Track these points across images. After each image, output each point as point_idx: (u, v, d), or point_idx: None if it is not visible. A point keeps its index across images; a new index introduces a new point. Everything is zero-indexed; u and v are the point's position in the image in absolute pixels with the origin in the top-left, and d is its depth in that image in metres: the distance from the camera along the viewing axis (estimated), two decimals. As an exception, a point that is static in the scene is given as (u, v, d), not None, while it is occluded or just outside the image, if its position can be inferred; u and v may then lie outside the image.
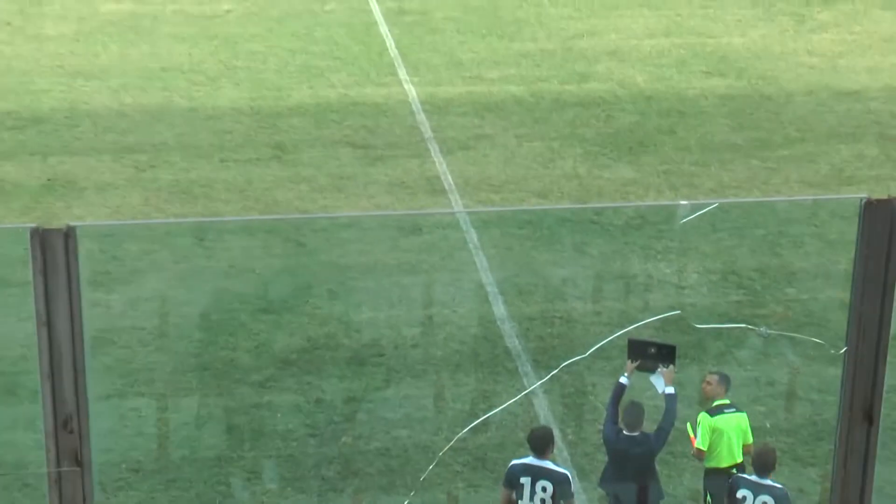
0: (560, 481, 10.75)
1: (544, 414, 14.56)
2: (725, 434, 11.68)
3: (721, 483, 11.60)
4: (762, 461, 11.21)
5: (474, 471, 13.54)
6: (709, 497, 11.81)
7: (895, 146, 24.11)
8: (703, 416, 11.69)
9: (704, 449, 11.66)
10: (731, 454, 11.73)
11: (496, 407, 14.35)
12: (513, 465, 10.99)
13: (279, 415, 14.54)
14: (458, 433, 13.71)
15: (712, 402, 11.93)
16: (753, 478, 11.20)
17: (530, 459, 10.92)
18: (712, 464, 11.67)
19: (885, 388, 6.66)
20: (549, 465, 10.86)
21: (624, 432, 11.35)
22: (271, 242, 19.20)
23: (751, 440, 11.86)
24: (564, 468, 11.14)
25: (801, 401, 14.96)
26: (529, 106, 25.46)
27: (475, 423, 13.89)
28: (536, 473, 10.78)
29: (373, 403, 14.85)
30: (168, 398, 14.95)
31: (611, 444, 11.42)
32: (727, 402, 11.90)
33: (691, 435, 11.99)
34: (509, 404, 14.30)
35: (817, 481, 13.27)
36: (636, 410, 11.50)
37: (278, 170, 22.49)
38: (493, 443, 14.03)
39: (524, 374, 15.48)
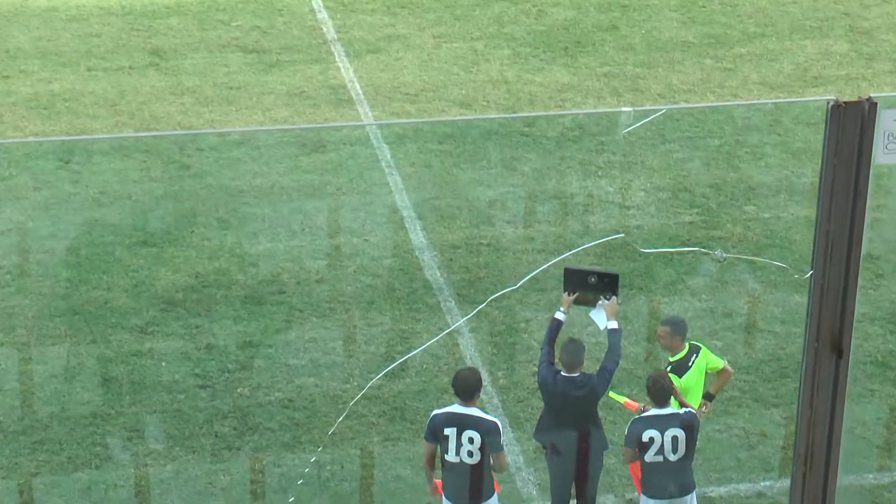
0: (488, 431, 10.82)
1: (471, 355, 14.64)
2: (694, 389, 11.85)
3: None
4: (658, 389, 11.42)
5: (391, 422, 13.60)
6: None
7: (867, 41, 24.35)
8: (671, 378, 11.78)
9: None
10: (696, 403, 11.92)
11: (415, 348, 14.40)
12: (435, 415, 11.05)
13: (164, 364, 14.48)
14: (371, 380, 13.75)
15: (671, 356, 12.00)
16: (653, 412, 11.40)
17: (455, 407, 10.97)
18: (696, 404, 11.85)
19: (855, 316, 6.76)
20: (476, 412, 10.92)
21: (562, 373, 11.45)
22: (150, 164, 19.00)
23: (720, 365, 12.06)
24: (494, 416, 11.20)
25: (762, 333, 15.17)
26: (448, 1, 25.32)
27: (391, 367, 13.93)
28: (462, 423, 10.85)
29: (273, 348, 14.83)
30: (32, 347, 14.82)
31: (548, 387, 11.51)
32: (686, 350, 11.96)
33: (624, 400, 12.10)
34: (430, 345, 14.35)
35: (781, 423, 13.50)
36: (575, 348, 11.59)
37: (156, 79, 22.21)
38: (413, 390, 14.09)
39: (447, 310, 15.53)
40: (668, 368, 11.95)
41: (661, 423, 11.33)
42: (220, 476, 12.85)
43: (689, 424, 11.37)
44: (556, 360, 11.78)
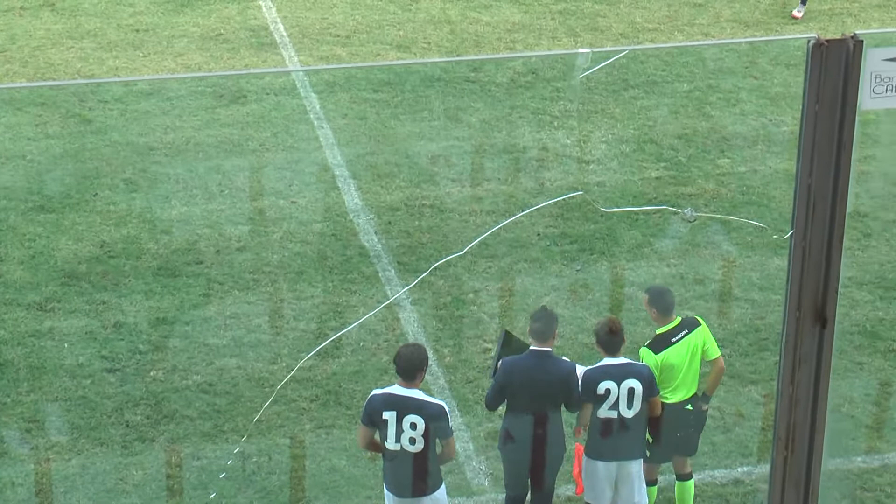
0: (434, 415, 10.86)
1: (413, 330, 14.68)
2: (678, 369, 11.82)
3: (667, 419, 11.88)
4: (607, 335, 11.58)
5: (325, 407, 13.64)
6: (648, 437, 12.04)
7: (852, -27, 24.51)
8: (644, 354, 11.81)
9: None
10: (689, 388, 11.92)
11: (351, 324, 14.43)
12: (373, 396, 11.08)
13: (66, 345, 14.44)
14: (301, 360, 13.77)
15: (657, 329, 12.00)
16: (606, 361, 11.52)
17: (396, 388, 11.00)
18: (664, 399, 11.85)
19: (840, 280, 6.83)
20: (419, 395, 10.95)
21: (532, 346, 11.40)
22: (46, 118, 18.88)
23: (714, 355, 12.04)
24: (439, 399, 11.25)
25: (738, 301, 15.31)
26: (383, -70, 25.27)
27: (323, 345, 13.96)
28: (403, 406, 10.88)
29: (190, 326, 14.82)
30: (-84, 329, 14.76)
31: (507, 374, 11.43)
32: (675, 324, 11.95)
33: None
34: (368, 319, 14.38)
35: (760, 402, 13.64)
36: (546, 315, 11.57)
37: (51, 21, 22.05)
38: (349, 370, 14.13)
39: (386, 280, 15.56)
40: (647, 342, 11.96)
41: (618, 374, 11.48)
42: (133, 470, 12.84)
43: (645, 377, 11.55)
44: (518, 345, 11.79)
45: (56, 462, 12.92)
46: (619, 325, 11.81)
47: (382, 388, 11.27)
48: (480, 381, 13.80)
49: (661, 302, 12.03)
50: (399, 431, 10.90)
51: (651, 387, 11.60)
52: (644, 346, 11.97)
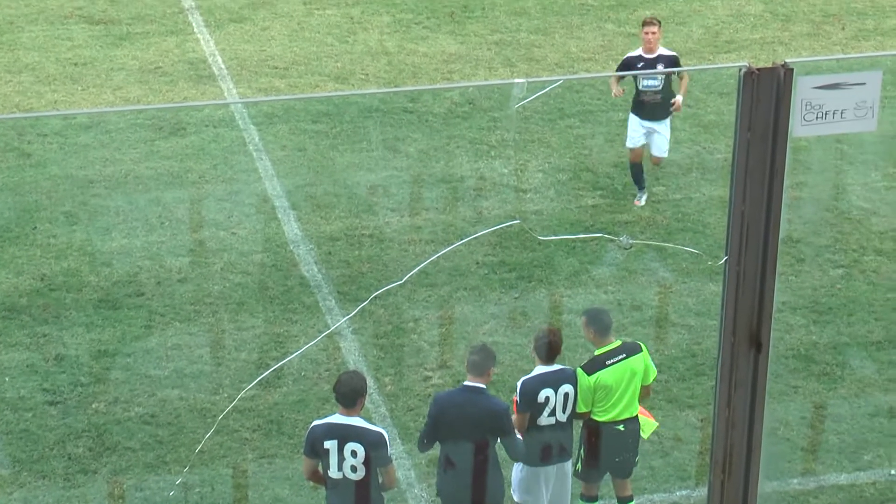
0: (374, 443, 10.84)
1: (354, 359, 14.67)
2: (614, 390, 11.84)
3: (600, 437, 11.93)
4: (544, 344, 11.70)
5: (267, 437, 13.59)
6: (581, 451, 12.08)
7: (783, 1, 24.73)
8: (579, 375, 11.81)
9: (587, 410, 11.87)
10: (624, 408, 11.92)
11: (292, 353, 14.39)
12: (314, 427, 11.06)
13: (7, 378, 14.33)
14: (243, 390, 13.73)
15: (595, 350, 12.01)
16: (541, 369, 11.64)
17: (336, 417, 10.98)
18: (596, 416, 11.88)
19: (774, 305, 6.88)
20: (359, 422, 10.94)
21: (466, 381, 11.35)
22: (-15, 152, 18.78)
23: (651, 379, 12.07)
24: (379, 427, 11.23)
25: (674, 327, 15.36)
26: (320, -38, 25.31)
27: (264, 375, 13.92)
28: (344, 435, 10.86)
29: (131, 358, 14.74)
30: None
31: (440, 407, 11.37)
32: (613, 346, 11.96)
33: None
34: (309, 349, 14.35)
35: (697, 426, 13.69)
36: (484, 350, 11.52)
37: (-10, 56, 21.96)
38: (291, 400, 14.09)
39: (326, 309, 15.54)
40: (582, 364, 11.98)
41: (554, 380, 11.61)
42: (75, 503, 12.75)
43: (575, 380, 11.74)
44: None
45: (-2, 495, 12.82)
46: (559, 334, 11.97)
47: (322, 417, 11.25)
48: (421, 409, 13.79)
49: (597, 323, 12.05)
50: (341, 460, 10.88)
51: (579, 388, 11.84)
52: (579, 366, 11.98)
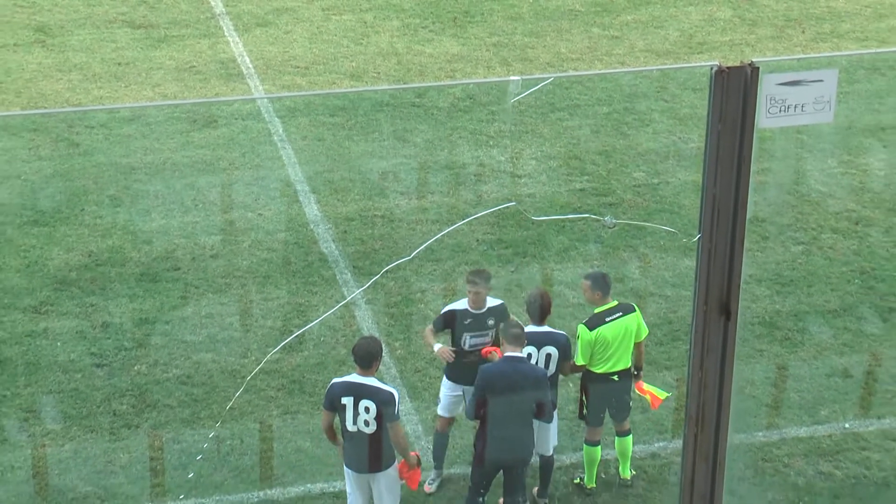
0: (384, 401, 10.84)
1: (367, 326, 14.65)
2: (611, 344, 11.84)
3: (597, 387, 11.94)
4: (537, 307, 11.67)
5: (290, 395, 13.58)
6: (584, 398, 12.10)
7: (749, 7, 24.65)
8: (581, 330, 11.83)
9: (585, 363, 11.87)
10: (618, 361, 11.92)
11: (312, 321, 14.38)
12: (333, 384, 11.07)
13: (59, 343, 14.32)
14: (269, 353, 13.72)
15: (595, 309, 12.00)
16: (530, 329, 11.60)
17: (353, 377, 10.99)
18: (593, 368, 11.88)
19: (742, 278, 6.87)
20: (373, 382, 10.94)
21: (507, 353, 11.20)
22: (38, 142, 18.74)
23: (643, 336, 12.09)
24: (391, 386, 11.23)
25: (653, 297, 15.35)
26: (337, -27, 25.23)
27: (288, 340, 13.91)
28: (359, 392, 10.87)
29: (169, 325, 14.73)
30: (-76, 331, 14.60)
31: (488, 377, 11.27)
32: (611, 305, 11.98)
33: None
34: (326, 317, 14.34)
35: (673, 385, 13.68)
36: (520, 326, 11.39)
37: (42, 56, 21.89)
38: (311, 363, 14.08)
39: (343, 282, 15.52)
40: (584, 321, 11.97)
41: (539, 340, 11.62)
42: (120, 454, 12.75)
43: (562, 345, 11.75)
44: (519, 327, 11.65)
45: (51, 448, 12.82)
46: (549, 296, 11.95)
47: (341, 376, 11.25)
48: (427, 371, 13.79)
49: (601, 284, 12.06)
50: (356, 414, 10.89)
51: (566, 353, 11.79)
52: (581, 322, 11.98)
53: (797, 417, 13.39)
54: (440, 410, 12.34)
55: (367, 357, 11.00)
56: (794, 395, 13.72)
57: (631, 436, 12.37)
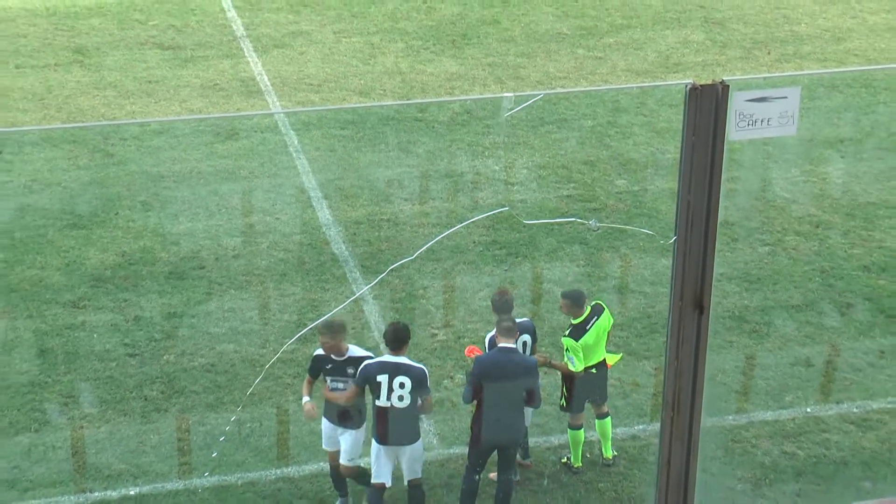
0: (418, 377, 10.90)
1: (374, 320, 14.65)
2: (593, 345, 11.89)
3: (579, 380, 11.93)
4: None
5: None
6: (564, 389, 12.09)
7: (720, 30, 24.66)
8: (568, 343, 11.79)
9: (582, 368, 11.86)
10: (596, 356, 11.97)
11: (324, 315, 14.37)
12: (367, 364, 11.01)
13: (95, 335, 14.33)
14: (285, 344, 13.72)
15: (573, 320, 11.98)
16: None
17: (386, 357, 11.02)
18: (578, 368, 11.89)
19: (714, 276, 6.87)
20: (406, 360, 10.98)
21: (500, 344, 11.18)
22: (77, 153, 18.74)
23: (610, 325, 12.16)
24: (422, 364, 11.22)
25: (633, 294, 15.35)
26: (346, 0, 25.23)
27: (303, 332, 13.90)
28: (394, 370, 10.90)
29: (195, 318, 14.73)
30: (-27, 324, 14.59)
31: (483, 366, 11.32)
32: (587, 314, 11.97)
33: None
34: (338, 311, 14.34)
35: (652, 374, 13.69)
36: (513, 320, 11.37)
37: (80, 75, 21.89)
38: (323, 352, 14.05)
39: (352, 280, 15.52)
40: (567, 332, 11.94)
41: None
42: (150, 435, 12.75)
43: (533, 330, 11.81)
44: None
45: (88, 429, 12.82)
46: (509, 292, 12.03)
47: (374, 358, 11.20)
48: (429, 360, 13.78)
49: (577, 302, 12.03)
50: (390, 391, 10.90)
51: (535, 336, 11.91)
52: (565, 335, 11.94)
53: (764, 402, 13.39)
54: (323, 445, 11.64)
55: (397, 340, 11.06)
56: (761, 382, 13.73)
57: (609, 418, 12.37)
